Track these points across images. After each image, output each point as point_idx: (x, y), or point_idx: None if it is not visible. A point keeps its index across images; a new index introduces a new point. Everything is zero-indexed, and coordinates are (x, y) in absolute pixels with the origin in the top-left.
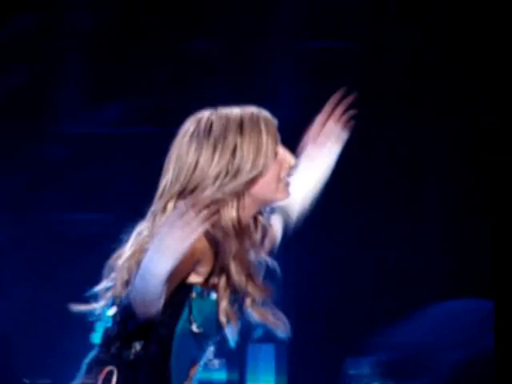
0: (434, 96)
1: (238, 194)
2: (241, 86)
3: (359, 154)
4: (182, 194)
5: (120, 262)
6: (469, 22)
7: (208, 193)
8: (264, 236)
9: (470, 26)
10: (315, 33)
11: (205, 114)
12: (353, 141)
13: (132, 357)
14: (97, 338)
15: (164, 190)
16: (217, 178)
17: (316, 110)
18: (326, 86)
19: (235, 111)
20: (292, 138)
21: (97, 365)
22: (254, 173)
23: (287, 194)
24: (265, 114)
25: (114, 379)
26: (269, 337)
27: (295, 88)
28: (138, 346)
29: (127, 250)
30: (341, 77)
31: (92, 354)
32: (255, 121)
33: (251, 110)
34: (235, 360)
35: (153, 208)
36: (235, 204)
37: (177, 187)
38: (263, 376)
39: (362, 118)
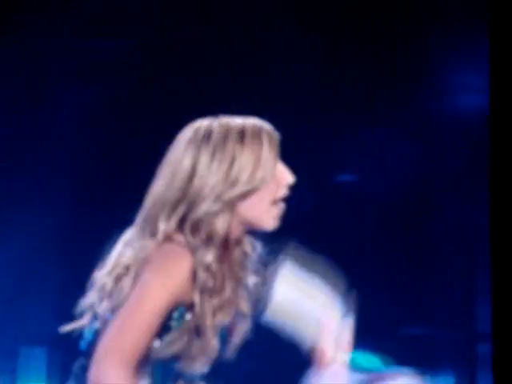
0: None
1: (231, 206)
2: (25, 85)
3: None
4: (178, 203)
5: (99, 276)
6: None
7: (205, 206)
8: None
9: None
10: (96, 32)
11: (204, 122)
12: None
13: None
14: (84, 345)
15: (156, 198)
16: (214, 187)
17: (97, 110)
18: (107, 84)
19: (237, 121)
20: (68, 140)
21: (83, 372)
22: (251, 185)
23: (275, 222)
24: (268, 127)
25: None
26: (41, 339)
27: (79, 87)
28: None
29: (108, 264)
30: (123, 75)
31: (79, 362)
32: (257, 132)
33: (254, 121)
34: (6, 363)
35: (141, 218)
36: (227, 216)
37: (170, 195)
38: (34, 381)
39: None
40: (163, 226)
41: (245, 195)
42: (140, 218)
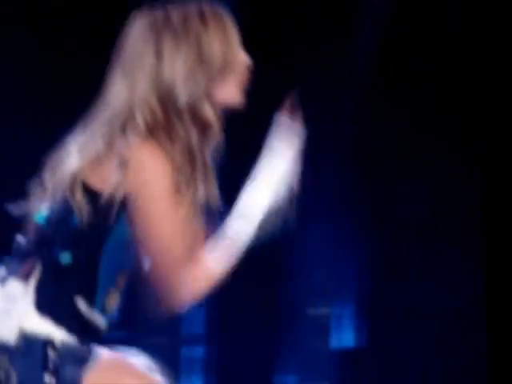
0: None
1: (211, 87)
2: None
3: None
4: (152, 96)
5: (61, 170)
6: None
7: (183, 96)
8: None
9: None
10: None
11: (157, 10)
12: None
13: (61, 262)
14: (26, 232)
15: (121, 99)
16: (189, 73)
17: None
18: None
19: (192, 4)
20: None
21: (23, 256)
22: (226, 62)
23: (242, 96)
24: (223, 8)
25: (37, 275)
26: None
27: None
28: (67, 254)
29: (73, 161)
30: None
31: (20, 246)
32: (216, 11)
33: (210, 4)
34: None
35: (103, 121)
36: (207, 97)
37: (140, 91)
38: None
39: None
40: (141, 123)
41: (223, 73)
42: (100, 121)
